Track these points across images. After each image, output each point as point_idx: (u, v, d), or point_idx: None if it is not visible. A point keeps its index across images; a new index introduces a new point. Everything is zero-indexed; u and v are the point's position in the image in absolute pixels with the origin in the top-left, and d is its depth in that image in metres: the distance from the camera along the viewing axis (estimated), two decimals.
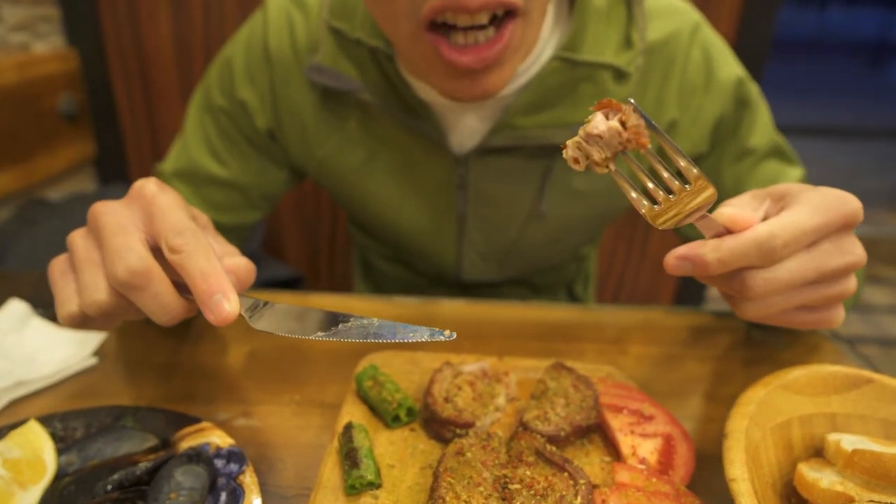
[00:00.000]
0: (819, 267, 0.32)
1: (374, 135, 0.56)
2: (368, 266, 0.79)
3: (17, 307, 0.50)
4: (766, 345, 0.52)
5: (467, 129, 0.54)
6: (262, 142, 0.60)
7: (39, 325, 0.49)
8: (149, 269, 0.30)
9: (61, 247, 1.01)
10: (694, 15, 0.56)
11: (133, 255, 0.30)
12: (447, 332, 0.30)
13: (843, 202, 0.32)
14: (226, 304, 0.30)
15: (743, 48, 1.04)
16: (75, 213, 0.91)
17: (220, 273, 0.31)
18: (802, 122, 4.71)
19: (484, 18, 0.40)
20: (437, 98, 0.52)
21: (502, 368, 0.43)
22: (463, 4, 0.38)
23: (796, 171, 0.59)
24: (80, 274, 0.32)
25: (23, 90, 0.96)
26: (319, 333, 0.31)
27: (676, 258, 0.32)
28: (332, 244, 1.20)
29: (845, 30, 11.61)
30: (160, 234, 0.31)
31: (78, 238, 0.33)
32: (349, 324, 0.31)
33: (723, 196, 0.58)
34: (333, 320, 0.31)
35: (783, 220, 0.31)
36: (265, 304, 0.33)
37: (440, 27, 0.41)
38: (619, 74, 0.52)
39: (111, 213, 0.32)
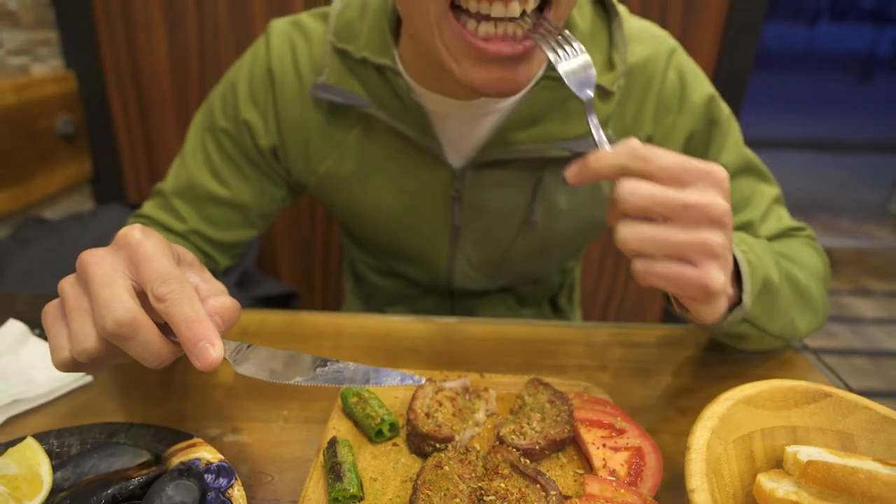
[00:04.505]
0: (687, 197, 0.34)
1: (374, 149, 0.59)
2: (359, 278, 0.81)
3: (14, 327, 0.52)
4: (741, 361, 0.54)
5: (465, 142, 0.57)
6: (263, 161, 0.63)
7: (36, 345, 0.51)
8: (136, 319, 0.31)
9: (57, 266, 1.03)
10: (670, 41, 0.59)
11: (120, 306, 0.31)
12: (416, 377, 0.33)
13: (712, 164, 0.35)
14: (211, 350, 0.32)
15: (727, 62, 1.07)
16: (71, 232, 0.93)
17: (205, 320, 0.32)
18: (792, 135, 4.77)
19: (516, 10, 0.41)
20: (440, 109, 0.55)
21: (483, 384, 0.45)
22: None
23: (771, 188, 0.62)
24: (71, 323, 0.33)
25: (21, 112, 0.98)
26: (298, 378, 0.33)
27: (568, 169, 0.36)
28: (326, 260, 1.22)
29: (835, 44, 11.78)
30: (146, 282, 0.33)
31: (68, 286, 0.34)
32: (326, 368, 0.33)
33: None
34: (312, 365, 0.33)
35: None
36: (248, 346, 0.35)
37: (469, 14, 0.43)
38: (603, 93, 0.55)
39: (98, 263, 0.33)
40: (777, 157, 4.41)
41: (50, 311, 0.35)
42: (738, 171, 0.60)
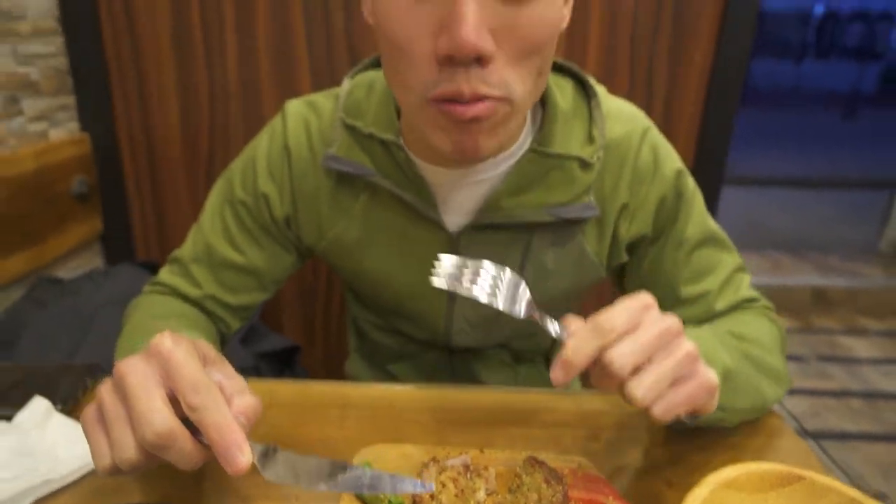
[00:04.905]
0: (651, 332, 0.39)
1: (379, 215, 0.64)
2: (362, 335, 0.85)
3: (39, 404, 0.55)
4: (729, 432, 0.57)
5: (461, 208, 0.62)
6: (277, 230, 0.68)
7: (60, 421, 0.54)
8: (173, 430, 0.35)
9: (72, 327, 1.05)
10: (645, 121, 0.66)
11: (158, 417, 0.35)
12: (427, 483, 0.36)
13: (636, 296, 0.41)
14: (241, 456, 0.35)
15: (715, 100, 1.10)
16: (84, 292, 0.96)
17: (234, 425, 0.35)
18: (779, 173, 4.87)
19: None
20: (439, 179, 0.61)
21: (483, 462, 0.48)
22: (460, 95, 0.45)
23: (731, 258, 0.67)
24: (112, 432, 0.36)
25: (39, 176, 1.03)
26: (322, 486, 0.36)
27: (553, 373, 0.39)
28: (327, 312, 1.25)
29: (820, 81, 12.09)
30: (179, 391, 0.36)
31: (106, 394, 0.37)
32: (346, 475, 0.36)
33: (664, 280, 0.66)
34: (333, 470, 0.36)
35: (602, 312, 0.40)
36: (274, 449, 0.38)
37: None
38: (584, 164, 0.61)
39: (133, 373, 0.36)
40: (765, 194, 4.50)
41: (89, 416, 0.38)
42: (701, 242, 0.66)
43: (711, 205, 1.18)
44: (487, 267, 0.44)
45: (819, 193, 4.49)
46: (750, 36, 1.07)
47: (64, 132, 1.12)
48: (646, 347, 0.39)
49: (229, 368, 0.43)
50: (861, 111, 9.28)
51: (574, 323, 0.41)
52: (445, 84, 0.45)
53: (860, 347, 2.41)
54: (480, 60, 0.44)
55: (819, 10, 12.96)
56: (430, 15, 0.44)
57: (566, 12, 0.52)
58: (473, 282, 0.43)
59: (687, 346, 0.40)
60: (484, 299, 0.42)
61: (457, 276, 0.43)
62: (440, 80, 0.45)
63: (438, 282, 0.44)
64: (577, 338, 0.39)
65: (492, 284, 0.43)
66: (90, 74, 1.11)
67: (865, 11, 12.75)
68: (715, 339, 0.52)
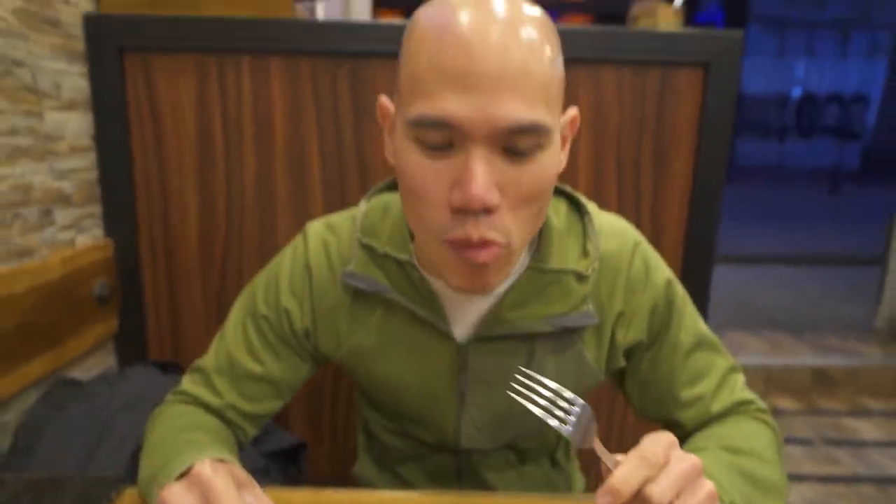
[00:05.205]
0: (682, 469, 0.45)
1: (392, 327, 0.69)
2: (372, 438, 0.88)
3: None
4: None
5: (468, 321, 0.68)
6: (296, 342, 0.73)
7: None
8: None
9: (89, 431, 1.08)
10: (636, 235, 0.72)
11: None
12: None
13: (662, 433, 0.47)
14: None
15: (700, 181, 1.18)
16: (101, 396, 0.99)
17: None
18: (769, 250, 4.98)
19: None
20: (448, 295, 0.67)
21: None
22: (469, 240, 0.52)
23: (724, 360, 0.72)
24: None
25: (64, 281, 1.08)
26: None
27: (600, 498, 0.44)
28: (334, 412, 1.27)
29: (804, 160, 12.56)
30: None
31: None
32: None
33: (662, 383, 0.71)
34: None
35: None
36: None
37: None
38: (580, 277, 0.66)
39: (179, 503, 0.42)
40: (755, 271, 4.58)
41: None
42: (694, 347, 0.71)
43: (703, 294, 1.24)
44: (565, 394, 0.50)
45: (809, 269, 4.57)
46: (725, 150, 1.17)
47: (89, 238, 1.19)
48: (679, 483, 0.44)
49: (257, 489, 0.47)
50: (844, 187, 9.60)
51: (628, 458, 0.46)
52: (458, 229, 0.52)
53: (865, 429, 2.38)
54: (488, 210, 0.51)
55: (797, 92, 13.68)
56: (445, 171, 0.51)
57: (563, 157, 0.60)
58: (548, 404, 0.49)
59: (708, 485, 0.45)
60: (553, 423, 0.48)
61: (532, 396, 0.49)
62: (453, 225, 0.52)
63: (516, 396, 0.49)
64: (625, 468, 0.44)
65: (566, 410, 0.49)
66: (118, 186, 1.20)
67: (840, 94, 13.48)
68: (723, 473, 0.57)
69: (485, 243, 0.52)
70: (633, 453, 0.44)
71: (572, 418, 0.48)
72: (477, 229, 0.51)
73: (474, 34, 0.49)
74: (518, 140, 0.50)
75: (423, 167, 0.52)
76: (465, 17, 0.49)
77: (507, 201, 0.52)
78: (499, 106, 0.49)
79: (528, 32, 0.50)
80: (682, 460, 0.45)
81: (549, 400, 0.50)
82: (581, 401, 0.49)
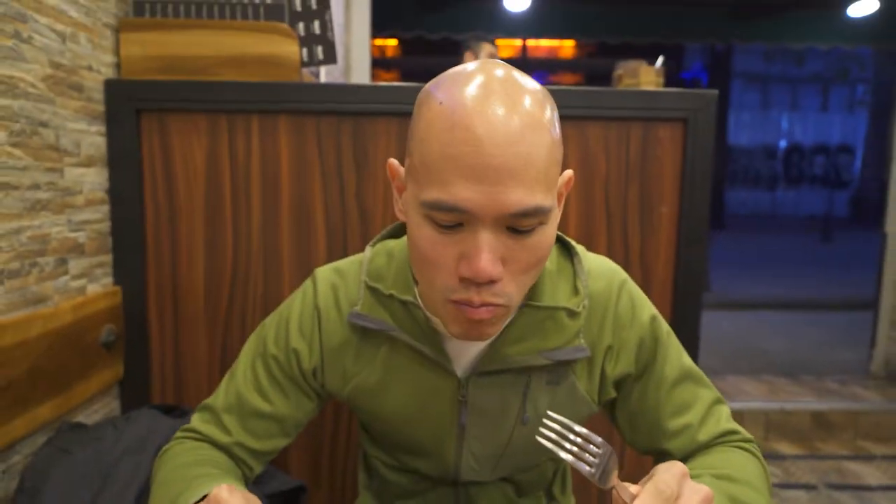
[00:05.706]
0: (696, 501, 0.49)
1: (397, 363, 0.73)
2: (372, 473, 0.90)
3: None
4: None
5: (467, 357, 0.72)
6: (303, 380, 0.76)
7: None
8: None
9: (94, 475, 1.11)
10: (622, 274, 0.77)
11: None
12: None
13: (675, 464, 0.50)
14: None
15: (685, 226, 1.23)
16: (107, 439, 1.01)
17: None
18: (765, 296, 5.03)
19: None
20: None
21: None
22: (472, 303, 0.58)
23: (709, 392, 0.76)
24: None
25: (75, 328, 1.12)
26: None
27: None
28: (333, 452, 1.28)
29: (795, 208, 12.80)
30: None
31: None
32: None
33: (650, 413, 0.75)
34: None
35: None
36: None
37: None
38: (571, 313, 0.71)
39: None
40: (752, 317, 4.61)
41: None
42: (679, 380, 0.75)
43: (693, 334, 1.28)
44: (591, 437, 0.53)
45: (806, 314, 4.60)
46: (706, 196, 1.24)
47: (99, 286, 1.24)
48: None
49: None
50: (835, 234, 9.75)
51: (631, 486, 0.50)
52: (462, 293, 0.58)
53: (868, 474, 2.36)
54: (492, 281, 0.57)
55: (783, 143, 14.08)
56: (454, 245, 0.58)
57: (558, 213, 0.65)
58: (575, 447, 0.52)
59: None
60: (579, 467, 0.51)
61: (559, 440, 0.53)
62: (459, 289, 0.58)
63: (543, 441, 0.53)
64: (642, 500, 0.47)
65: (592, 453, 0.52)
66: (128, 236, 1.26)
67: (825, 145, 13.88)
68: (722, 502, 0.60)
69: (484, 304, 0.57)
70: (649, 487, 0.47)
71: (596, 460, 0.52)
72: (480, 295, 0.57)
73: (483, 128, 0.53)
74: (521, 222, 0.56)
75: (434, 241, 0.57)
76: (474, 109, 0.54)
77: (510, 271, 0.58)
78: (506, 193, 0.54)
79: (531, 121, 0.55)
80: (695, 492, 0.48)
81: (579, 445, 0.53)
82: (608, 445, 0.52)
